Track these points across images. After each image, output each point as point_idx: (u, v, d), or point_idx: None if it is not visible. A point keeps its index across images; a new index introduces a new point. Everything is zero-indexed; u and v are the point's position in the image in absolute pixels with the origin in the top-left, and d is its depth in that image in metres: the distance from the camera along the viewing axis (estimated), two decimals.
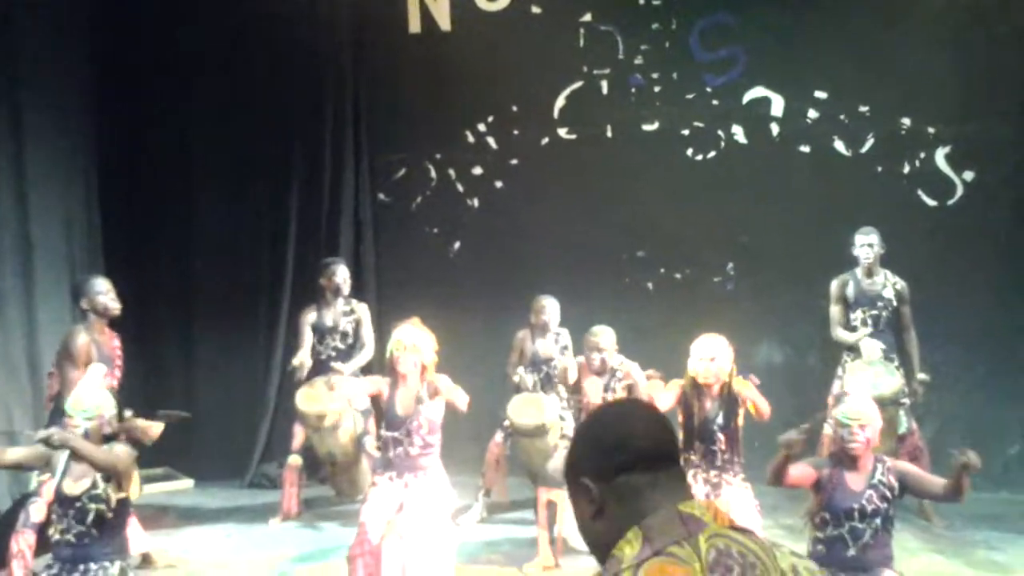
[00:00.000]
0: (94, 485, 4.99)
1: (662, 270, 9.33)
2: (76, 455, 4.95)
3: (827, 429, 6.79)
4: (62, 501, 5.00)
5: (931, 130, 8.88)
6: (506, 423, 7.79)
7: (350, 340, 8.12)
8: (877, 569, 4.78)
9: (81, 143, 8.91)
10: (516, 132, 9.44)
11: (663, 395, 6.17)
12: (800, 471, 4.89)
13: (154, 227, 9.42)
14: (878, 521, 4.81)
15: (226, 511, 8.29)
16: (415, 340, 6.11)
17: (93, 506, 4.97)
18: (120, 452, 5.03)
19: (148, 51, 9.16)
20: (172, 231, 9.48)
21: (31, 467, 5.44)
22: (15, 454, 5.28)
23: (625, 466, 1.93)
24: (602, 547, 1.92)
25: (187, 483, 9.07)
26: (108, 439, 5.11)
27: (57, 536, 5.03)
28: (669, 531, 1.86)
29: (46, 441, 4.97)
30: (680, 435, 6.04)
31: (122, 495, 5.04)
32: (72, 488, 5.00)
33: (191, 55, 9.24)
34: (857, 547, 4.78)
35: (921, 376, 7.72)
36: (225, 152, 9.33)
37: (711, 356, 6.00)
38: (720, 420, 5.98)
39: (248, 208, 9.34)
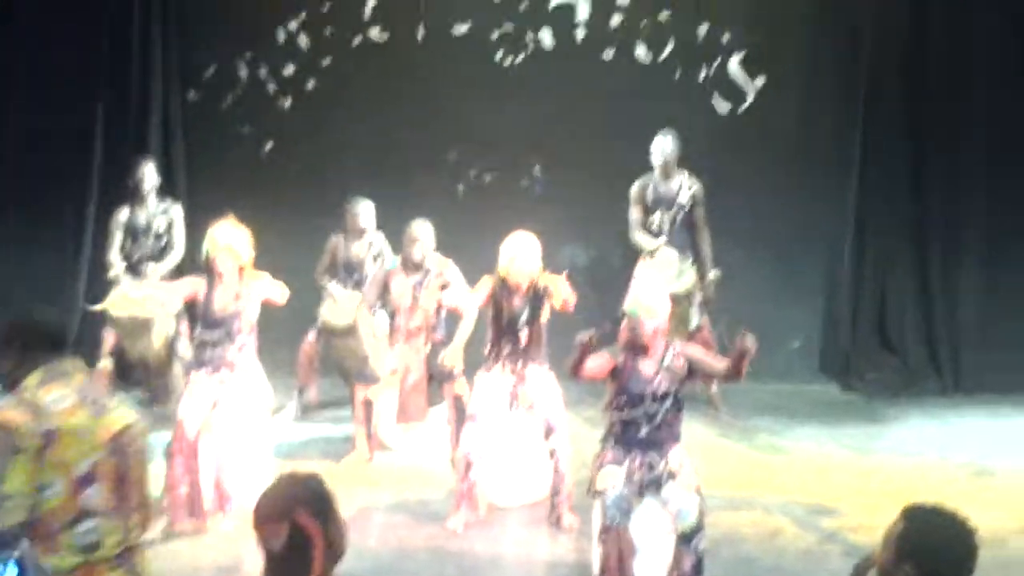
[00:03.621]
0: None
1: (472, 173, 9.54)
2: None
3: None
4: None
5: (726, 37, 9.29)
6: (319, 323, 7.96)
7: (164, 240, 8.14)
8: (668, 445, 5.20)
9: None
10: (328, 31, 9.43)
11: (475, 294, 6.43)
12: (596, 362, 5.24)
13: None
14: (669, 402, 5.21)
15: None
16: (232, 239, 6.19)
17: None
18: None
19: None
20: None
21: None
22: None
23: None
24: (17, 380, 3.36)
25: None
26: None
27: None
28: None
29: None
30: (490, 331, 6.34)
31: None
32: None
33: None
34: (650, 427, 5.18)
35: (713, 273, 8.16)
36: (31, 48, 9.06)
37: (521, 255, 6.25)
38: (526, 316, 6.27)
39: (54, 105, 9.05)
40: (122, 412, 3.51)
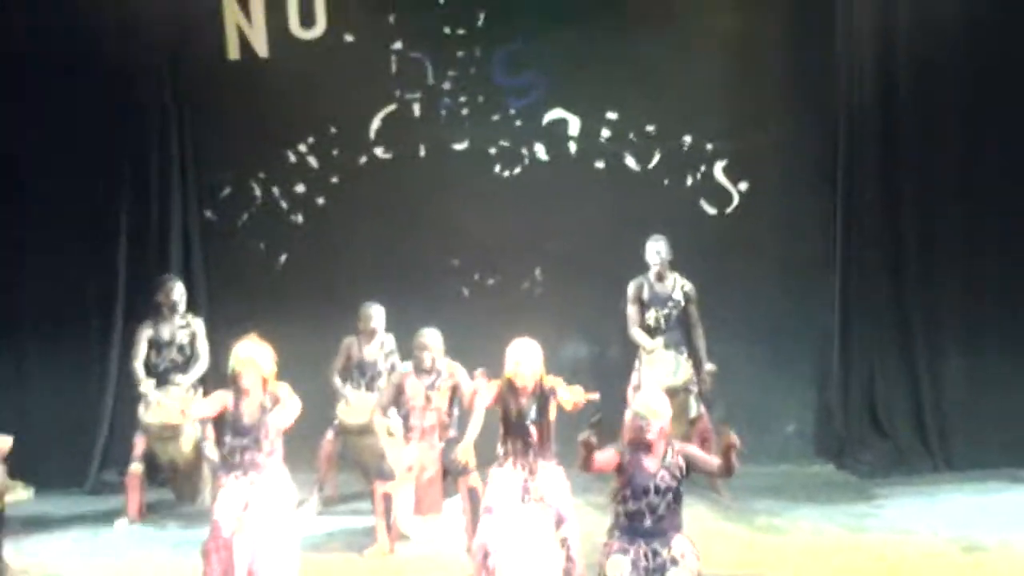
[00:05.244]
0: None
1: (476, 277, 10.05)
2: None
3: (628, 415, 7.64)
4: None
5: (709, 146, 9.90)
6: (336, 423, 8.47)
7: (187, 353, 8.62)
8: (670, 534, 5.62)
9: None
10: (335, 152, 10.02)
11: (482, 394, 6.91)
12: (605, 457, 5.66)
13: None
14: (671, 496, 5.65)
15: (70, 518, 8.60)
16: (254, 355, 6.65)
17: None
18: None
19: None
20: None
21: None
22: None
23: None
24: None
25: (27, 493, 9.24)
26: None
27: None
28: None
29: None
30: (501, 430, 6.80)
31: None
32: None
33: (15, 76, 9.53)
34: (653, 518, 5.59)
35: (708, 367, 8.61)
36: (52, 173, 9.61)
37: (524, 360, 6.71)
38: (533, 415, 6.71)
39: (79, 229, 9.64)
40: None
